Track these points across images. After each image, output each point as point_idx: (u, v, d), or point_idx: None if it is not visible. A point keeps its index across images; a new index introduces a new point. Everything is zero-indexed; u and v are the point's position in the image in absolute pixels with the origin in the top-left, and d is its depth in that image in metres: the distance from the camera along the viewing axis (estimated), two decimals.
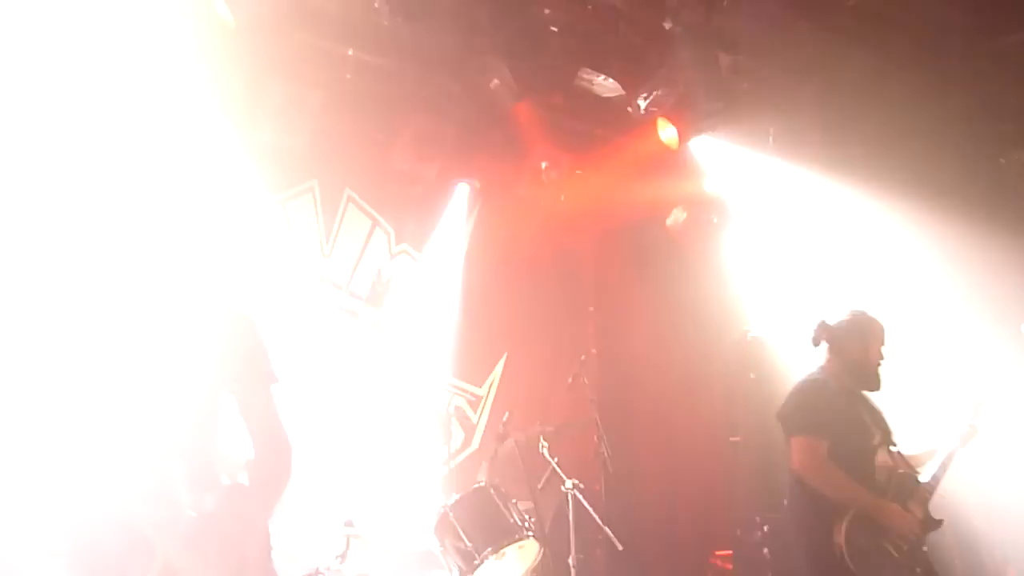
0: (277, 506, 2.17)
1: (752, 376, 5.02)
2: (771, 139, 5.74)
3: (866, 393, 3.68)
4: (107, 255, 2.10)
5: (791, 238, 5.96)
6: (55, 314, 2.01)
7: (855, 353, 3.61)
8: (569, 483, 4.33)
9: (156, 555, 1.84)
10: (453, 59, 5.04)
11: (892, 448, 3.59)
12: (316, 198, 5.46)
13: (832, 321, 3.67)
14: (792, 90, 5.46)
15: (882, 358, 3.63)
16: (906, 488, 3.53)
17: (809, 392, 3.60)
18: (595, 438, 5.63)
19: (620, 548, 4.32)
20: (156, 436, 1.98)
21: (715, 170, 6.01)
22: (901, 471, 3.55)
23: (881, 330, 3.66)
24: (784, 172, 5.89)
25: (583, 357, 5.51)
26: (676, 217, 6.12)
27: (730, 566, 5.11)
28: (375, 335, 5.56)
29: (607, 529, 4.40)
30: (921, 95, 5.03)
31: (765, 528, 4.90)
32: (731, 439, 5.16)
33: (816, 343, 3.68)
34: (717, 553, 5.32)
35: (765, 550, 4.88)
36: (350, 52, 4.97)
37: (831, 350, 3.66)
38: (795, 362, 4.95)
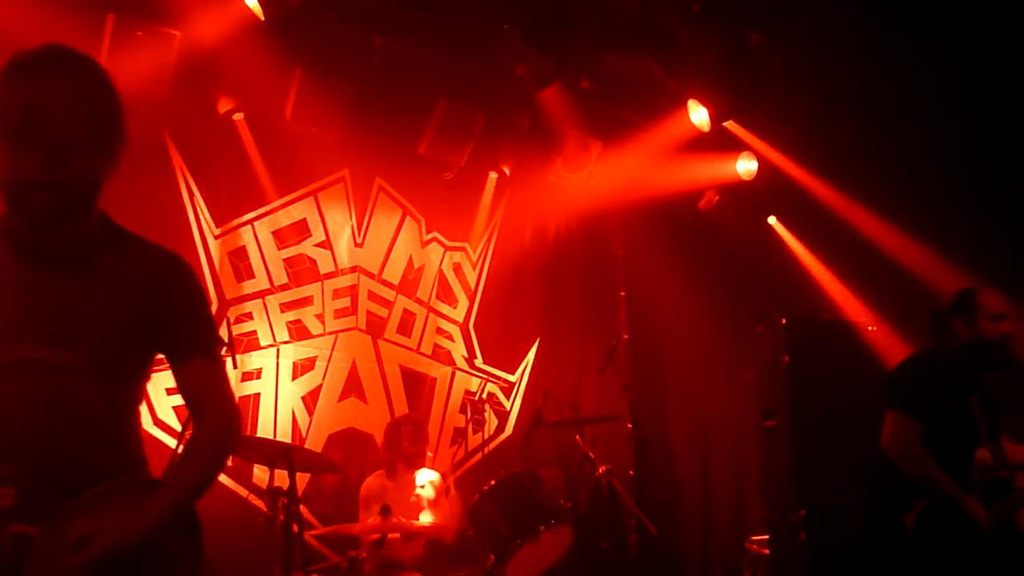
0: (204, 487, 1.81)
1: (786, 360, 4.96)
2: (805, 119, 5.65)
3: (985, 380, 3.42)
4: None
5: (826, 221, 5.88)
6: None
7: (978, 329, 3.35)
8: (603, 469, 4.33)
9: None
10: (480, 46, 5.02)
11: (998, 445, 3.34)
12: (348, 188, 5.50)
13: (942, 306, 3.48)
14: (827, 68, 5.36)
15: (1002, 334, 3.34)
16: (997, 491, 3.26)
17: (922, 367, 3.38)
18: (627, 423, 5.64)
19: (655, 533, 4.32)
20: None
21: (747, 152, 5.95)
22: (999, 473, 3.30)
23: (996, 299, 3.39)
24: (818, 153, 5.81)
25: (615, 342, 5.52)
26: (708, 199, 6.06)
27: (766, 551, 5.07)
28: (408, 322, 5.60)
29: (641, 514, 4.40)
30: (966, 69, 4.88)
31: (802, 512, 4.85)
32: (765, 424, 5.11)
33: (934, 327, 3.47)
34: (753, 538, 5.29)
35: (802, 535, 4.84)
36: (378, 41, 4.99)
37: (944, 331, 3.43)
38: (831, 347, 4.92)
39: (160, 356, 1.87)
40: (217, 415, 1.86)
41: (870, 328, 5.13)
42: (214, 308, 4.84)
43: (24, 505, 1.62)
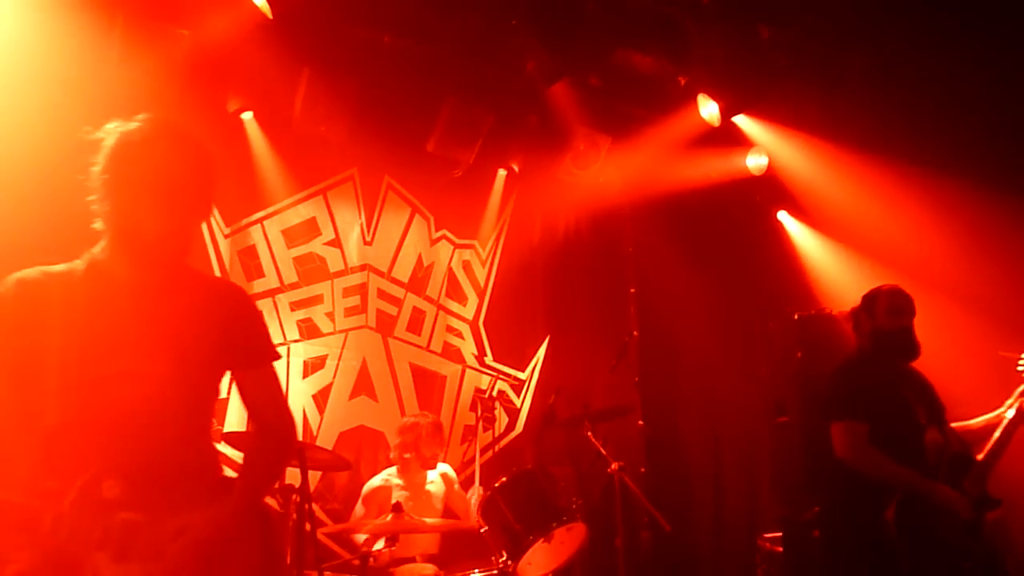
0: (270, 485, 2.14)
1: (799, 356, 4.93)
2: (815, 114, 5.61)
3: (914, 370, 3.59)
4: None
5: (837, 216, 5.84)
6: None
7: (877, 324, 3.56)
8: (615, 465, 4.31)
9: (83, 570, 1.80)
10: (488, 43, 5.01)
11: (943, 425, 3.49)
12: (357, 186, 5.50)
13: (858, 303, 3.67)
14: (836, 63, 5.32)
15: (905, 323, 3.55)
16: (960, 467, 3.40)
17: (845, 376, 3.57)
18: (639, 420, 5.63)
19: (668, 529, 4.31)
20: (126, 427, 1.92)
21: (757, 147, 5.92)
22: (954, 450, 3.44)
23: (897, 295, 3.60)
24: (829, 148, 5.77)
25: (627, 339, 5.50)
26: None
27: (780, 548, 5.05)
28: (418, 320, 5.60)
29: (654, 511, 4.38)
30: (977, 66, 4.85)
31: (815, 509, 4.82)
32: (778, 420, 5.08)
33: (853, 328, 3.67)
34: (765, 535, 5.26)
35: (815, 532, 4.81)
36: (386, 39, 4.98)
37: (858, 329, 3.65)
38: (844, 342, 4.89)
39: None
40: (274, 423, 2.18)
41: None
42: None
43: (130, 495, 1.85)
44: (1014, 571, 3.68)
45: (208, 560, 1.91)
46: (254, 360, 2.16)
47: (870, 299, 3.64)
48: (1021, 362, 3.55)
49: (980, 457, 3.46)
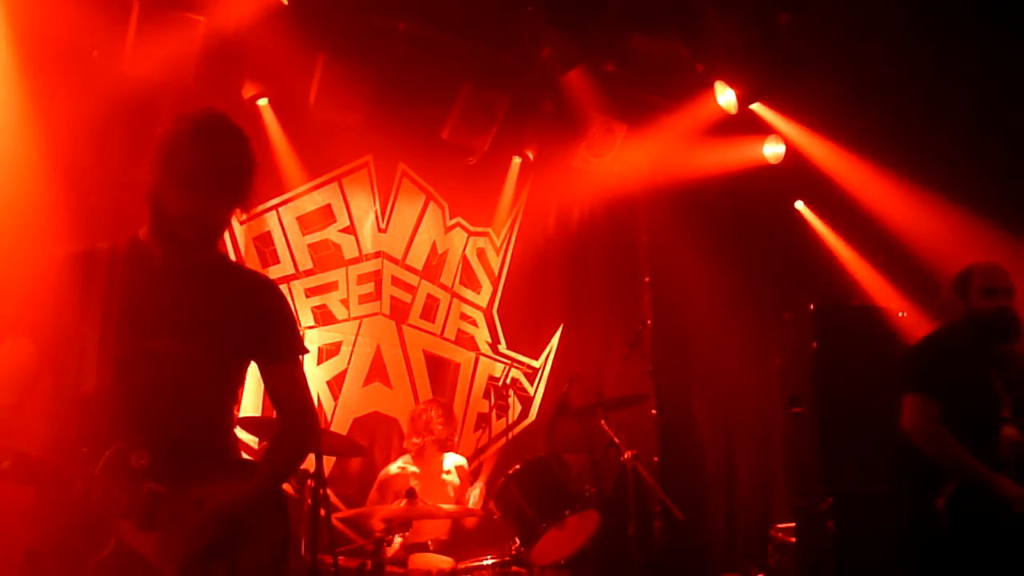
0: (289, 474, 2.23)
1: (814, 347, 4.90)
2: (833, 101, 5.55)
3: (1017, 355, 3.38)
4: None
5: (855, 205, 5.79)
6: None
7: (972, 306, 3.34)
8: (628, 454, 4.31)
9: (109, 534, 1.88)
10: (504, 29, 4.99)
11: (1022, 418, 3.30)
12: (372, 173, 5.50)
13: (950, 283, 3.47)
14: (855, 50, 5.26)
15: (1002, 302, 3.31)
16: None
17: (927, 348, 3.40)
18: (652, 409, 5.62)
19: (681, 518, 4.31)
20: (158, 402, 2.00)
21: (774, 135, 5.87)
22: None
23: (989, 274, 3.37)
24: (847, 136, 5.72)
25: (640, 327, 5.48)
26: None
27: (792, 539, 5.04)
28: (432, 308, 5.61)
29: (667, 500, 4.38)
30: (999, 53, 4.77)
31: (829, 500, 4.81)
32: (792, 410, 5.05)
33: (943, 309, 3.49)
34: (778, 526, 5.25)
35: (829, 523, 4.79)
36: (401, 26, 4.97)
37: (948, 312, 3.44)
38: (860, 333, 4.85)
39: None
40: (299, 412, 2.25)
41: (900, 314, 5.05)
42: None
43: (156, 467, 1.94)
44: None
45: (224, 533, 1.99)
46: (281, 353, 2.22)
47: (963, 278, 3.41)
48: None
49: None
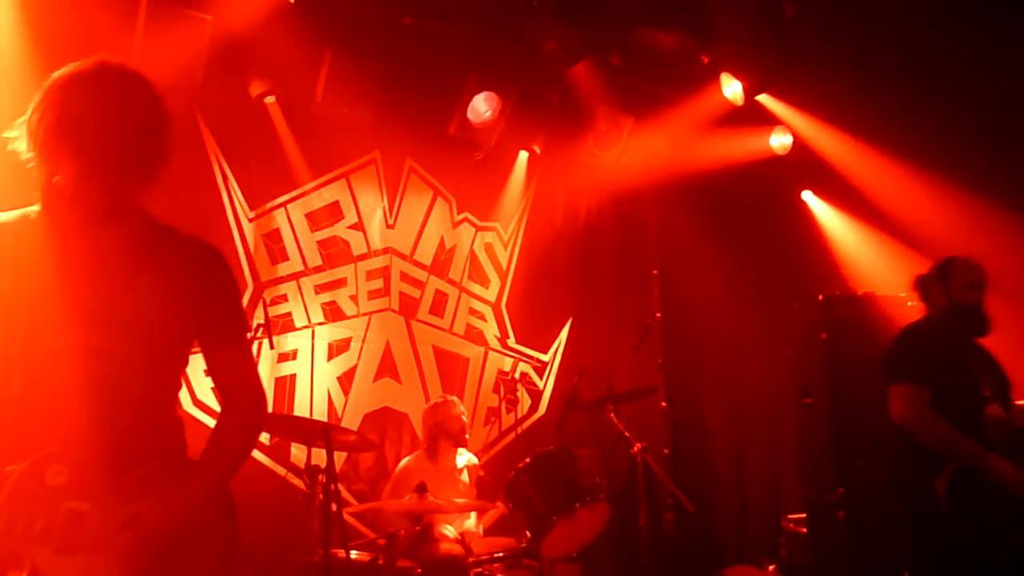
0: (231, 473, 1.93)
1: (823, 337, 4.89)
2: (840, 91, 5.53)
3: (981, 346, 3.50)
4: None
5: (862, 196, 5.77)
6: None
7: (952, 297, 3.46)
8: (638, 447, 4.32)
9: (21, 565, 1.65)
10: (509, 23, 4.98)
11: (1007, 401, 3.39)
12: (379, 169, 5.51)
13: (925, 272, 3.59)
14: (862, 40, 5.23)
15: (980, 298, 3.45)
16: (1019, 443, 3.30)
17: (910, 339, 3.47)
18: (662, 402, 5.62)
19: (691, 510, 4.31)
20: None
21: (781, 126, 5.85)
22: (1016, 425, 3.35)
23: (970, 269, 3.49)
24: (854, 127, 5.69)
25: (648, 321, 5.48)
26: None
27: (804, 530, 5.04)
28: (441, 303, 5.62)
29: (678, 492, 4.39)
30: (1008, 40, 4.74)
31: (840, 491, 4.81)
32: (802, 401, 5.05)
33: (922, 296, 3.59)
34: (790, 517, 5.25)
35: (840, 513, 4.79)
36: (407, 21, 4.97)
37: (928, 299, 3.55)
38: (869, 323, 4.84)
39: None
40: (243, 401, 1.98)
41: (909, 303, 5.03)
42: (249, 290, 4.90)
43: (76, 483, 1.71)
44: None
45: (162, 550, 1.77)
46: (224, 338, 1.95)
47: (944, 269, 3.53)
48: None
49: None
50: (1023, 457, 3.27)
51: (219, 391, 2.04)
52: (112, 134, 1.70)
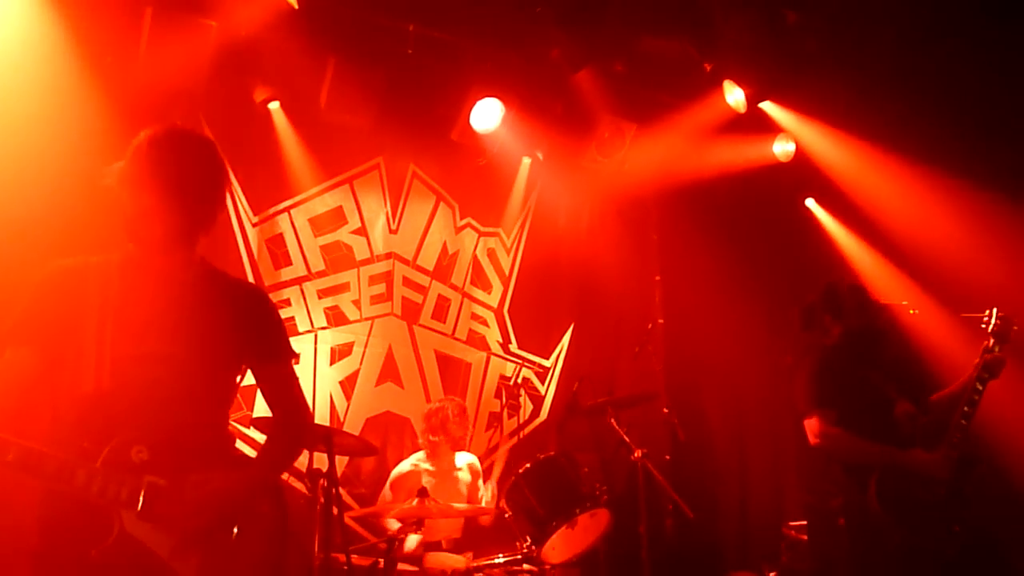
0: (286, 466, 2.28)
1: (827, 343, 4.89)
2: (842, 98, 5.54)
3: (884, 351, 3.66)
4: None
5: (865, 203, 5.77)
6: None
7: (836, 326, 3.62)
8: (638, 452, 4.33)
9: (112, 524, 1.98)
10: (513, 30, 5.01)
11: (918, 396, 3.56)
12: (382, 175, 5.54)
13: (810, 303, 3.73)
14: (864, 48, 5.24)
15: (865, 324, 3.60)
16: (934, 432, 3.46)
17: (806, 370, 3.60)
18: (663, 408, 5.62)
19: (691, 516, 4.31)
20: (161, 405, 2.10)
21: (784, 134, 5.86)
22: (927, 417, 3.52)
23: (854, 292, 3.68)
24: (857, 134, 5.70)
25: (650, 327, 5.49)
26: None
27: (804, 537, 5.03)
28: (443, 308, 5.64)
29: (678, 498, 4.39)
30: (1009, 50, 4.75)
31: (840, 498, 4.80)
32: None
33: (805, 321, 3.74)
34: (791, 523, 5.24)
35: (841, 520, 4.78)
36: (411, 28, 5.00)
37: (823, 330, 3.67)
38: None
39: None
40: (293, 410, 2.36)
41: (911, 311, 5.03)
42: None
43: (155, 461, 2.04)
44: (1004, 527, 3.72)
45: (222, 514, 2.09)
46: (271, 357, 2.34)
47: (831, 299, 3.67)
48: (984, 319, 3.61)
49: (953, 418, 3.49)
50: (942, 443, 3.42)
51: (268, 402, 2.38)
52: (189, 182, 2.14)
